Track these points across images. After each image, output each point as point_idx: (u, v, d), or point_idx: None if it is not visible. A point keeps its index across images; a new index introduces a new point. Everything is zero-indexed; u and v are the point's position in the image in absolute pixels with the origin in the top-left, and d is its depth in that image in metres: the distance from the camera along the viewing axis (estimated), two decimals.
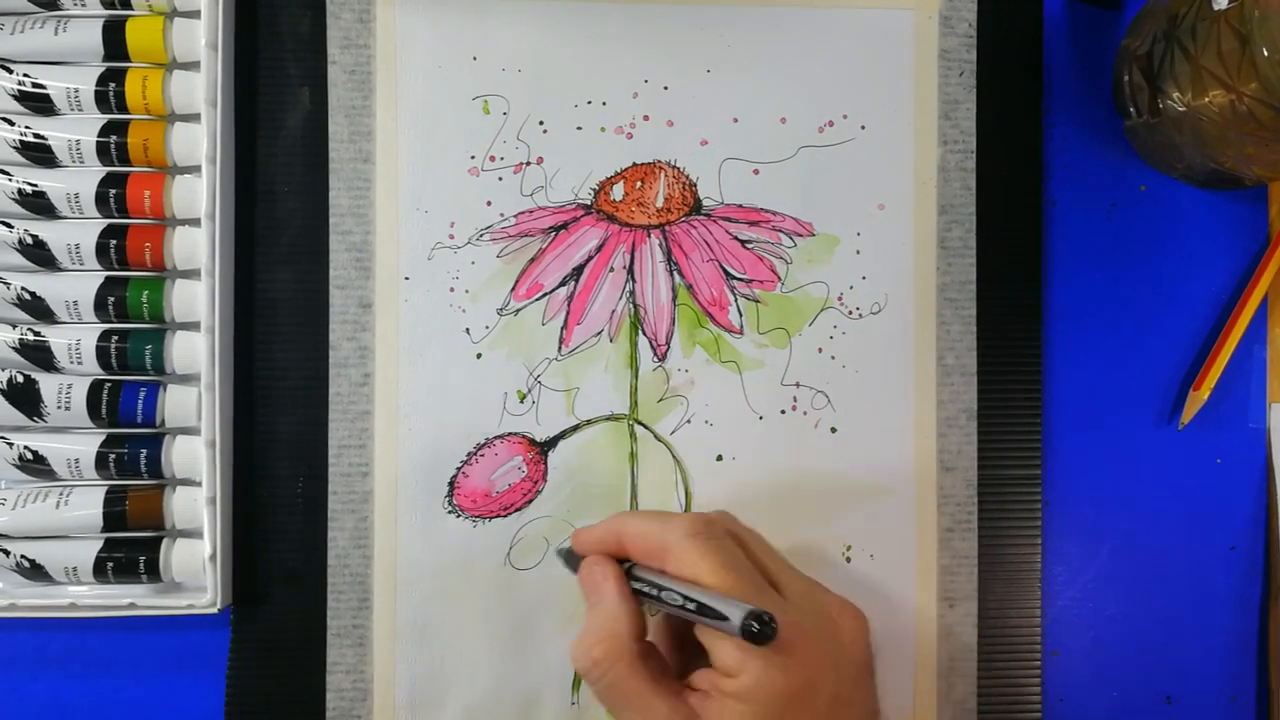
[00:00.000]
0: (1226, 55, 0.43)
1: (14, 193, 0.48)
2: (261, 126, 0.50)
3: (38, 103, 0.48)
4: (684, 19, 0.51)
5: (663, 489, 0.51)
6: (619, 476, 0.50)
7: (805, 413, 0.51)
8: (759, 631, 0.36)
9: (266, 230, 0.50)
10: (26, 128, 0.48)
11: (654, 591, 0.40)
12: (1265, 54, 0.41)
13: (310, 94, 0.50)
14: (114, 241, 0.48)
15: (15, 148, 0.48)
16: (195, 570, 0.48)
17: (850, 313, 0.51)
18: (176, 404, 0.49)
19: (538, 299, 0.50)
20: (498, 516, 0.50)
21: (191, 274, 0.49)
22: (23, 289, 0.48)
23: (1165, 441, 0.53)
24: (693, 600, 0.38)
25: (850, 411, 0.51)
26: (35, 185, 0.48)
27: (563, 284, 0.50)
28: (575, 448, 0.50)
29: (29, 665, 0.50)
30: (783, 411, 0.51)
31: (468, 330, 0.50)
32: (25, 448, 0.48)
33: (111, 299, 0.48)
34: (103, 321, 0.49)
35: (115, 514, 0.48)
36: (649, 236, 0.51)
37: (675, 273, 0.51)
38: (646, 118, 0.51)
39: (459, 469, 0.50)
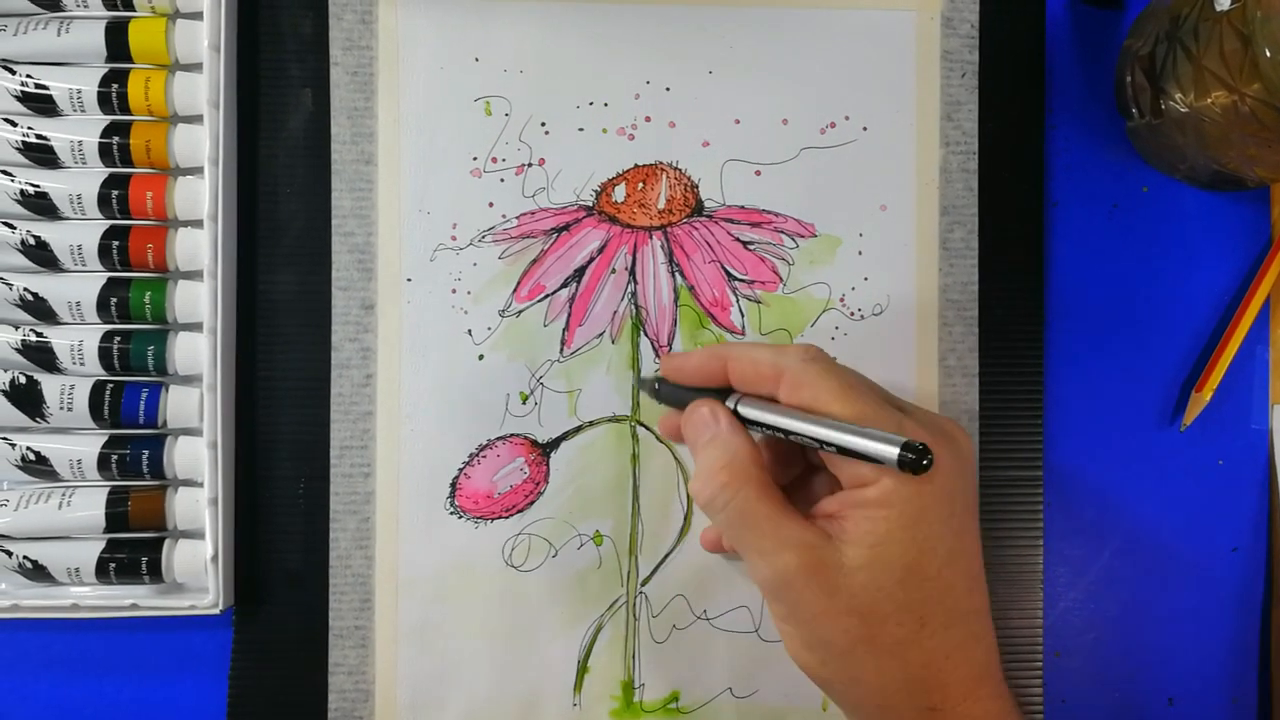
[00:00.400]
0: (1229, 56, 0.43)
1: (16, 194, 0.48)
2: (264, 128, 0.50)
3: (40, 104, 0.48)
4: (686, 20, 0.51)
5: (664, 491, 0.51)
6: (621, 478, 0.50)
7: None
8: (916, 461, 0.35)
9: (269, 231, 0.50)
10: (29, 129, 0.48)
11: (778, 432, 0.39)
12: (1268, 55, 0.40)
13: (312, 95, 0.50)
14: (116, 242, 0.48)
15: (17, 149, 0.48)
16: (197, 571, 0.48)
17: (852, 314, 0.51)
18: (178, 405, 0.49)
19: (539, 300, 0.50)
20: (500, 518, 0.50)
21: (194, 275, 0.49)
22: (25, 290, 0.48)
23: (1167, 443, 0.52)
24: (832, 444, 0.37)
25: None
26: (38, 186, 0.48)
27: (564, 285, 0.51)
28: (577, 449, 0.50)
29: (31, 666, 0.50)
30: None
31: (470, 331, 0.50)
32: (27, 448, 0.48)
33: (114, 300, 0.48)
34: (105, 322, 0.49)
35: (117, 515, 0.48)
36: (651, 238, 0.51)
37: (677, 274, 0.51)
38: (648, 119, 0.51)
39: (461, 470, 0.50)
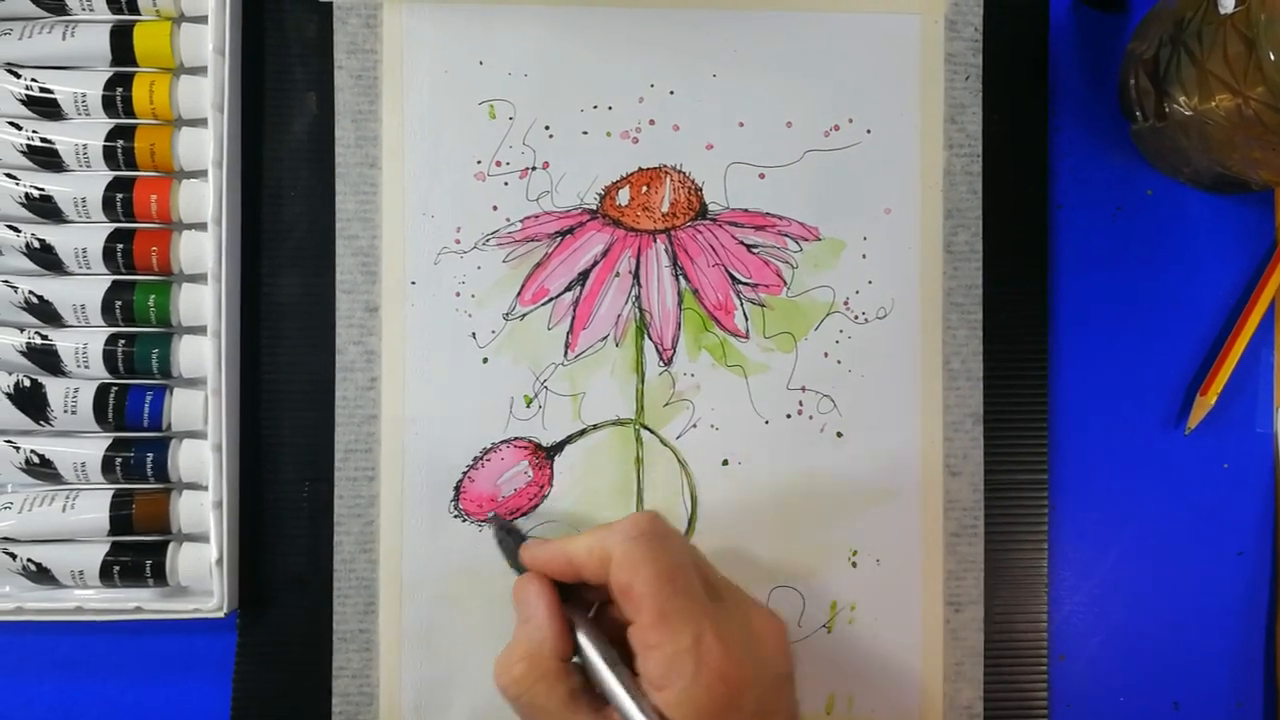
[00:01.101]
0: (1233, 59, 0.43)
1: (21, 197, 0.48)
2: (268, 131, 0.51)
3: (45, 107, 0.48)
4: (690, 23, 0.51)
5: (668, 494, 0.50)
6: (625, 481, 0.50)
7: (811, 417, 0.51)
8: None
9: (273, 234, 0.50)
10: (34, 132, 0.48)
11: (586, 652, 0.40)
12: (1272, 58, 0.40)
13: (317, 99, 0.51)
14: (121, 246, 0.48)
15: (22, 152, 0.48)
16: (201, 574, 0.48)
17: (856, 317, 0.51)
18: (183, 408, 0.49)
19: (544, 304, 0.50)
20: None
21: (198, 278, 0.49)
22: (30, 293, 0.48)
23: (1172, 446, 0.52)
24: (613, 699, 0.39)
25: (856, 416, 0.51)
26: (42, 189, 0.48)
27: (568, 289, 0.51)
28: (581, 452, 0.50)
29: (35, 668, 0.50)
30: (789, 416, 0.51)
31: (474, 335, 0.50)
32: (32, 451, 0.48)
33: (118, 303, 0.48)
34: (110, 325, 0.49)
35: (122, 518, 0.48)
36: (655, 241, 0.51)
37: (681, 277, 0.51)
38: (652, 122, 0.51)
39: (465, 474, 0.50)
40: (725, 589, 0.42)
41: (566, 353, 0.50)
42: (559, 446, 0.50)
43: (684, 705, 0.38)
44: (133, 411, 0.48)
